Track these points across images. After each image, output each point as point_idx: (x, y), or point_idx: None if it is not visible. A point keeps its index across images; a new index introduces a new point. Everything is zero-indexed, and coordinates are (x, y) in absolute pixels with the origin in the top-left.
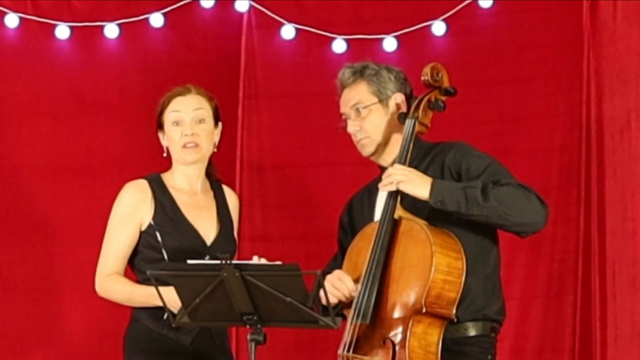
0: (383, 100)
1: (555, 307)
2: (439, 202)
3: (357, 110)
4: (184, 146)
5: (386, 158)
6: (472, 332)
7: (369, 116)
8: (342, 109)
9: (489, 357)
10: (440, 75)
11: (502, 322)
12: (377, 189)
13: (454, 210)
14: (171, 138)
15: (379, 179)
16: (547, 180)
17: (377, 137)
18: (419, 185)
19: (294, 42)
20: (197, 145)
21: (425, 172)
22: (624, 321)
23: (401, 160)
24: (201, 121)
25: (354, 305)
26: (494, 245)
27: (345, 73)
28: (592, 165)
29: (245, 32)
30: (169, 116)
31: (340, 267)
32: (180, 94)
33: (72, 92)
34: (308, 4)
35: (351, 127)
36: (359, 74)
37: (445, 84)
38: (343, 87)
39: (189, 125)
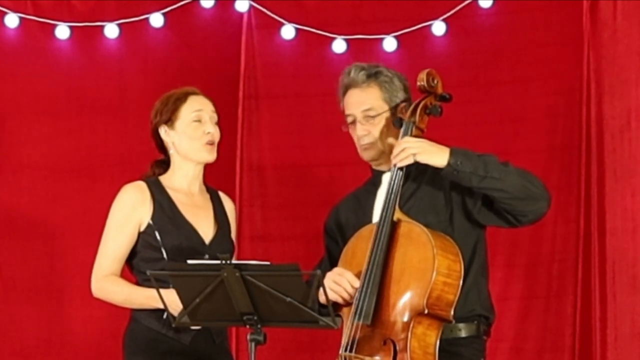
0: (392, 109)
1: (555, 307)
2: (457, 164)
3: (368, 116)
4: (205, 144)
5: (385, 163)
6: (464, 334)
7: (379, 123)
8: (351, 110)
9: (482, 359)
10: (435, 81)
11: (493, 321)
12: (370, 195)
13: (470, 173)
14: (190, 135)
15: (367, 187)
16: (547, 180)
17: (382, 144)
18: (435, 153)
19: (294, 42)
20: (215, 145)
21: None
22: (624, 321)
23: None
24: (216, 123)
25: (354, 306)
26: (483, 245)
27: (358, 74)
28: (592, 165)
29: (245, 32)
30: (190, 114)
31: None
32: (194, 92)
33: (72, 92)
34: (308, 4)
35: (360, 131)
36: (374, 77)
37: (440, 90)
38: (353, 86)
39: (210, 124)
